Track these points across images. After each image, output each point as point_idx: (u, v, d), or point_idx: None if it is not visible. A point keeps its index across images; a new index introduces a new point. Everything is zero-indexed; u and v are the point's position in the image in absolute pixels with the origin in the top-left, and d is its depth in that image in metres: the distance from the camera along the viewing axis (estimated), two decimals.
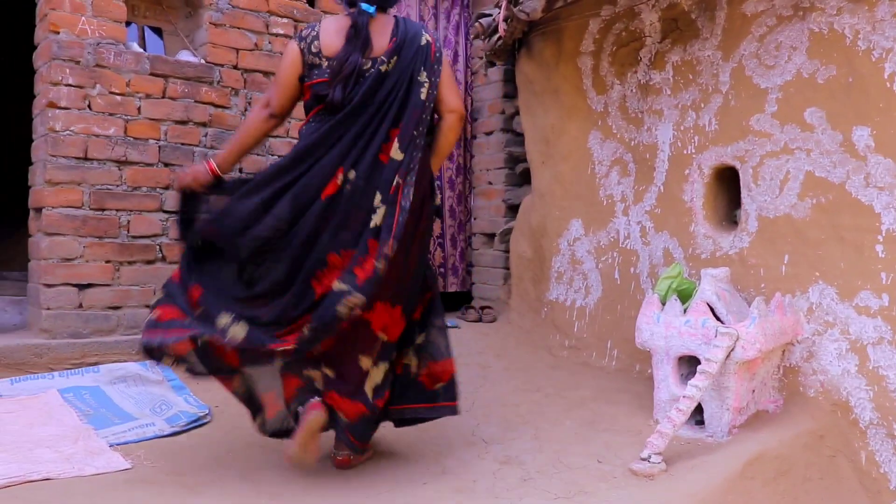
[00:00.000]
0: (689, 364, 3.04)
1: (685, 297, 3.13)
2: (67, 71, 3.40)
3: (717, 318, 2.94)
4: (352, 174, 2.67)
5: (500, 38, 4.32)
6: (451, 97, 2.90)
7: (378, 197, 2.70)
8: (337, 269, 2.58)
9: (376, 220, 2.66)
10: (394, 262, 2.62)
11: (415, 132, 2.80)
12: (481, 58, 5.14)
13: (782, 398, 3.04)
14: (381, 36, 2.78)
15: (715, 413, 2.86)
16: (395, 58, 2.81)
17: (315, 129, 2.70)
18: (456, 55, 5.27)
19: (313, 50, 2.72)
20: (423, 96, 2.82)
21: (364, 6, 2.81)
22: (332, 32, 2.75)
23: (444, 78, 2.89)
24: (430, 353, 2.84)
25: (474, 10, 5.32)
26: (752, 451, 2.61)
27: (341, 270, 2.57)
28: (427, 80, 2.84)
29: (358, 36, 2.78)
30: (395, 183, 2.72)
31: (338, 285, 2.53)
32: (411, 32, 2.87)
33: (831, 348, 2.93)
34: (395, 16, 2.89)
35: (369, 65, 2.75)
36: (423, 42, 2.85)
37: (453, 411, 2.85)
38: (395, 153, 2.77)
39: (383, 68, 2.78)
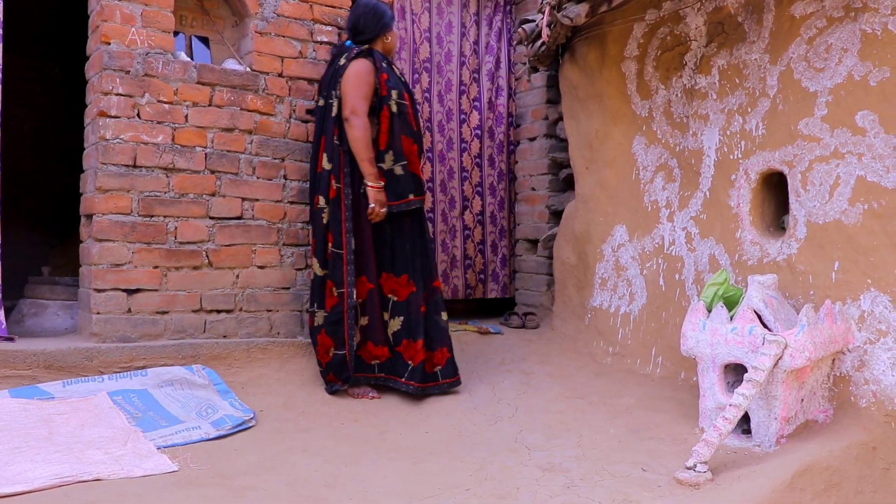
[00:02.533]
0: (736, 372, 3.01)
1: (731, 304, 3.10)
2: (118, 80, 3.48)
3: (765, 326, 2.91)
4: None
5: (543, 43, 4.33)
6: (343, 103, 3.65)
7: (322, 199, 3.67)
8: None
9: (325, 218, 3.66)
10: (363, 247, 3.66)
11: (336, 142, 3.68)
12: (524, 63, 5.15)
13: (832, 408, 2.98)
14: None
15: (762, 422, 2.82)
16: (324, 86, 3.81)
17: None
18: (498, 61, 5.29)
19: None
20: (333, 112, 3.68)
21: (346, 42, 3.85)
22: None
23: (341, 89, 3.67)
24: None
25: (517, 15, 5.33)
26: (801, 462, 2.56)
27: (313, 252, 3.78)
28: (337, 97, 3.67)
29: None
30: (333, 188, 3.65)
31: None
32: (336, 60, 3.78)
33: (884, 357, 2.87)
34: (355, 48, 3.74)
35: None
36: (339, 64, 3.73)
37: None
38: (325, 163, 3.68)
39: (320, 101, 3.81)
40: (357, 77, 3.66)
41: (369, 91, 3.67)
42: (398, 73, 3.86)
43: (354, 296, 3.65)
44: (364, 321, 3.71)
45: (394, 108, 3.70)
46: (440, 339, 3.77)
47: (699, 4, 3.60)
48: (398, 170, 3.70)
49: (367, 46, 3.77)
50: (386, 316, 3.73)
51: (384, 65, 3.76)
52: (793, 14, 3.20)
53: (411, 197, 3.73)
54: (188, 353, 3.53)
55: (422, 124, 4.10)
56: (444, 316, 3.84)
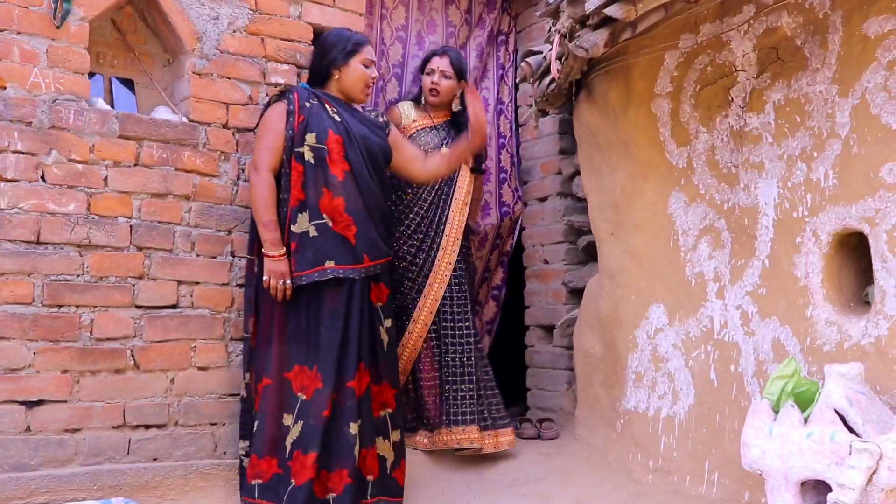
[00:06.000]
0: (817, 491, 2.90)
1: (805, 402, 3.02)
2: (16, 134, 3.44)
3: (851, 430, 2.81)
4: None
5: (552, 80, 4.35)
6: None
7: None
8: None
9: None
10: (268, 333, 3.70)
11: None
12: (530, 105, 5.14)
13: None
14: None
15: None
16: None
17: None
18: (499, 101, 5.30)
19: None
20: None
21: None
22: None
23: None
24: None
25: (520, 45, 5.36)
26: None
27: None
28: None
29: None
30: (246, 261, 3.83)
31: None
32: None
33: None
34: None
35: None
36: None
37: None
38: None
39: None
40: (262, 126, 3.80)
41: (276, 141, 3.73)
42: (332, 110, 3.80)
43: (243, 390, 3.78)
44: (255, 426, 3.64)
45: (307, 156, 3.71)
46: (341, 458, 3.53)
47: (746, 26, 3.62)
48: (312, 231, 3.68)
49: (283, 87, 3.93)
50: (288, 419, 3.60)
51: (308, 104, 3.77)
52: (865, 34, 3.20)
53: (328, 265, 3.65)
54: (107, 483, 3.44)
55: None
56: (354, 429, 3.57)
